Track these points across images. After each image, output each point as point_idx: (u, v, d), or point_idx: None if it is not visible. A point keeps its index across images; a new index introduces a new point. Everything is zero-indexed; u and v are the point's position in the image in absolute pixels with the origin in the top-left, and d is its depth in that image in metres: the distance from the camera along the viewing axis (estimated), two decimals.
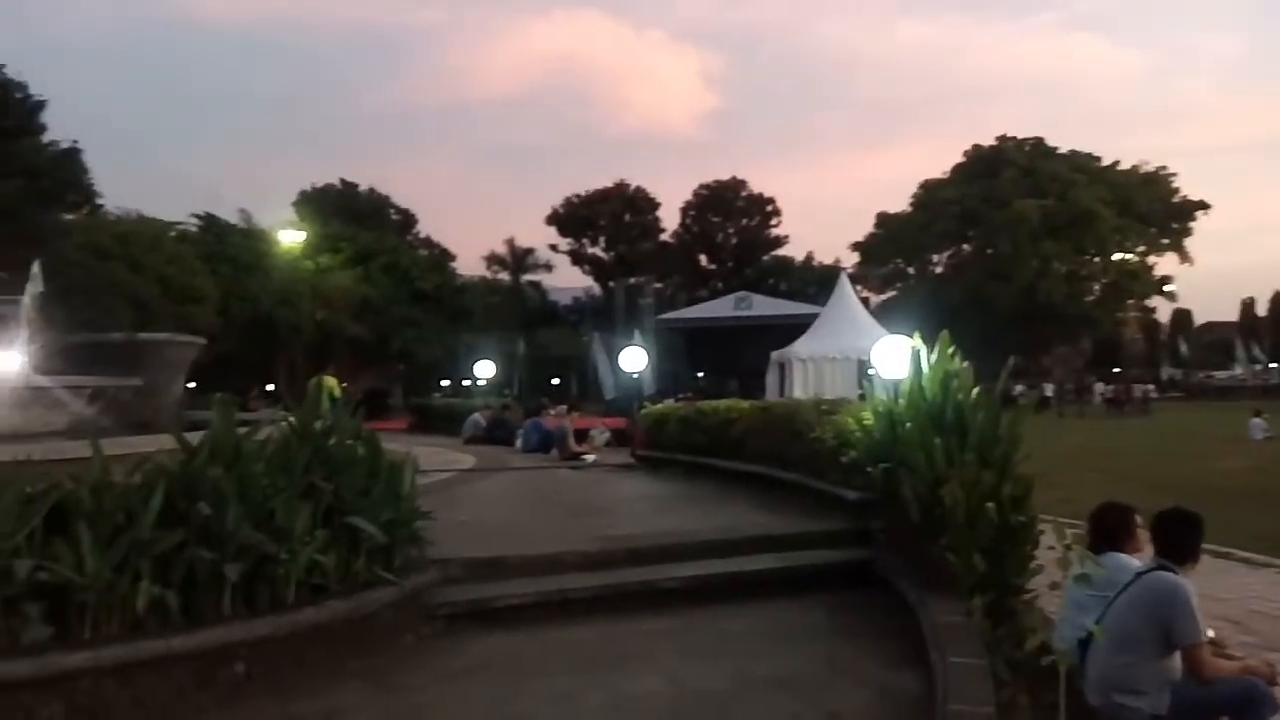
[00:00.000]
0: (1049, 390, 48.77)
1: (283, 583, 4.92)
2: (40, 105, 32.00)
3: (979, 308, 52.74)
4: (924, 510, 5.81)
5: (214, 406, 5.34)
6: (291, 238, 40.61)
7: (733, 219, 75.87)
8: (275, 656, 4.78)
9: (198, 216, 43.05)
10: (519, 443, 18.88)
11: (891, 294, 63.00)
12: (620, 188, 74.08)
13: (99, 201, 35.57)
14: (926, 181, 62.78)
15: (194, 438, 5.09)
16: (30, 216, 27.07)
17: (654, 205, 74.79)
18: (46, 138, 32.42)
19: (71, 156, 33.15)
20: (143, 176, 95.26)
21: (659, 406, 16.77)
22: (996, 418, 6.10)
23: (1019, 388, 36.88)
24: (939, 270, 62.47)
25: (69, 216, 32.87)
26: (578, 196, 73.95)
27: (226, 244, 40.34)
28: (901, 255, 63.24)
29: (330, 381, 17.79)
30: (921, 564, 5.78)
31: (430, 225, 71.98)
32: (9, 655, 4.08)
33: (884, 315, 35.72)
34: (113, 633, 4.35)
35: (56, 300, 10.32)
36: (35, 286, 9.11)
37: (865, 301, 41.76)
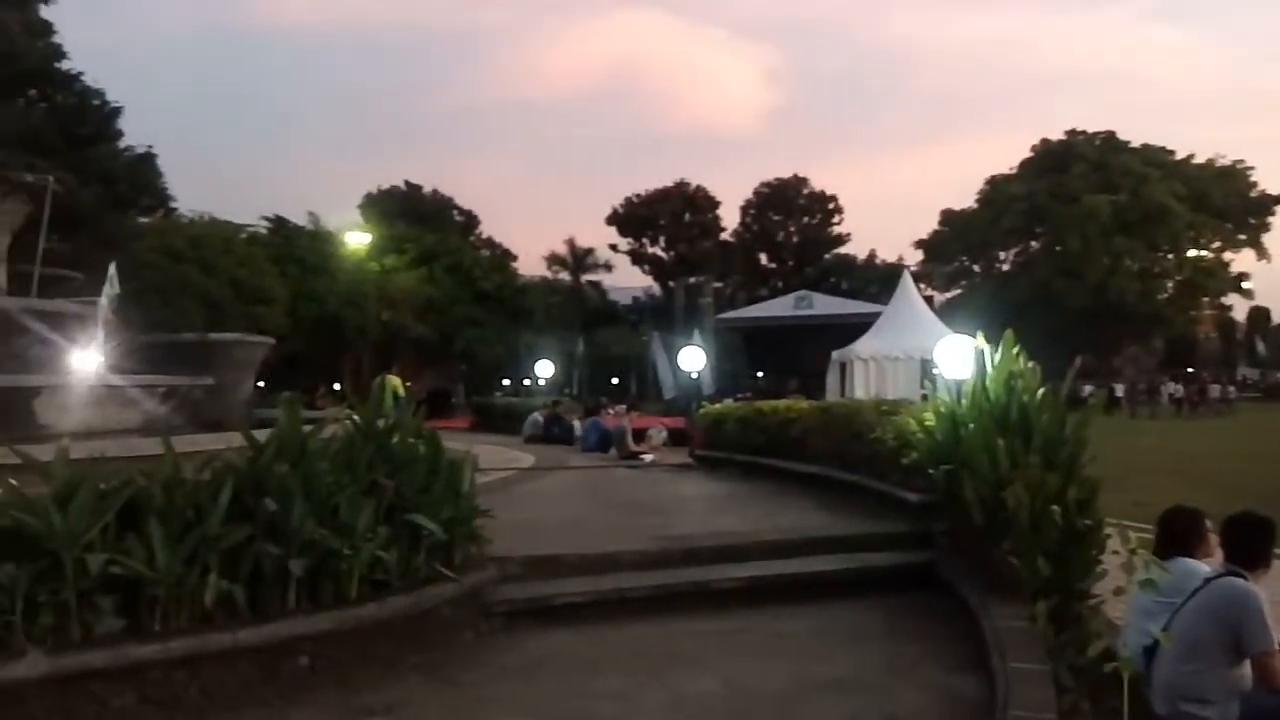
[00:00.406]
0: (1119, 390, 47.54)
1: (346, 578, 5.00)
2: (116, 112, 32.93)
3: (1047, 306, 51.65)
4: (987, 513, 5.72)
5: (281, 405, 5.45)
6: (357, 239, 41.40)
7: (794, 217, 75.33)
8: (338, 650, 4.87)
9: (267, 219, 44.12)
10: (578, 442, 18.99)
11: (956, 292, 61.98)
12: (680, 187, 74.01)
13: (173, 205, 36.57)
14: (993, 177, 61.63)
15: (261, 436, 5.21)
16: (107, 220, 27.86)
17: (714, 204, 74.59)
18: (122, 144, 33.37)
19: (146, 161, 34.06)
20: (214, 180, 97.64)
21: (717, 406, 16.71)
22: (1062, 418, 5.98)
23: (1088, 388, 35.99)
24: (1005, 268, 61.29)
25: (144, 220, 33.82)
26: (638, 196, 74.08)
27: (295, 246, 41.25)
28: (967, 253, 62.17)
29: (394, 380, 18.03)
30: (984, 567, 5.68)
31: (492, 226, 72.77)
32: (84, 646, 4.21)
33: (948, 314, 35.18)
34: (182, 625, 4.46)
35: (132, 301, 10.65)
36: (111, 288, 9.40)
37: (929, 300, 41.21)
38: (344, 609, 4.93)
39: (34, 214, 10.59)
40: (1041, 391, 6.18)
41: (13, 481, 4.48)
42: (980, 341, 6.82)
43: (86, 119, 31.71)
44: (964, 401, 6.64)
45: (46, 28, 31.23)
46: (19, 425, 6.93)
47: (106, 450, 4.98)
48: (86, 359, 8.34)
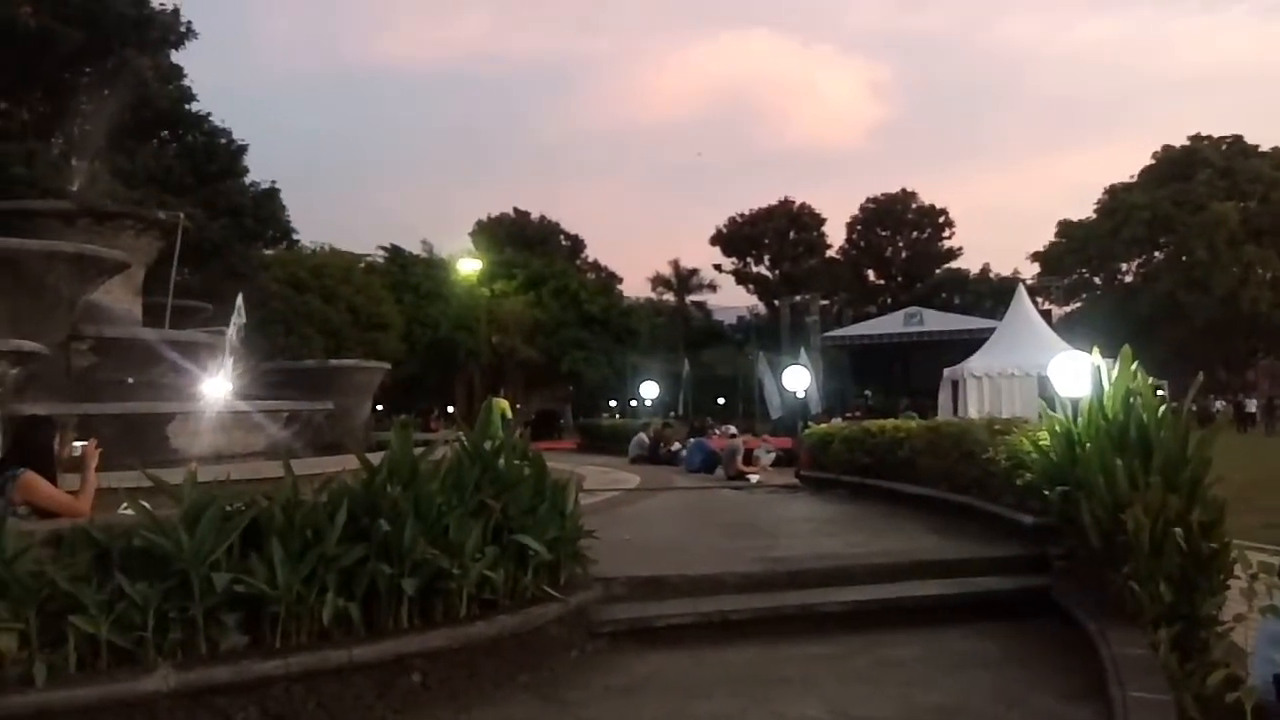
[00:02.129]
0: (1252, 406, 45.04)
1: (456, 597, 5.12)
2: (243, 149, 34.72)
3: (1173, 319, 49.49)
4: (1105, 536, 5.52)
5: (394, 428, 5.63)
6: (468, 266, 42.46)
7: (902, 232, 74.08)
8: (449, 668, 4.98)
9: (384, 248, 45.66)
10: (682, 463, 19.00)
11: (1076, 306, 59.87)
12: (785, 205, 73.65)
13: (295, 237, 38.23)
14: (1112, 186, 59.50)
15: (376, 458, 5.40)
16: (234, 253, 29.32)
17: (819, 221, 73.97)
18: (248, 179, 35.14)
19: (270, 196, 35.75)
20: (334, 212, 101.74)
21: (823, 426, 16.52)
22: (1184, 436, 5.72)
23: (1219, 404, 34.21)
24: (1127, 280, 59.00)
25: (269, 252, 35.45)
26: (742, 215, 73.98)
27: (410, 273, 42.60)
28: (1086, 265, 60.09)
29: (502, 403, 18.41)
30: (1102, 593, 5.48)
31: (598, 249, 73.93)
32: (210, 661, 4.41)
33: (1067, 329, 34.04)
34: (301, 642, 4.63)
35: (257, 330, 11.17)
36: (239, 317, 9.88)
37: (1046, 315, 39.85)
38: (454, 627, 5.04)
39: (166, 248, 11.22)
40: (1162, 409, 5.94)
41: (145, 504, 4.75)
42: (1097, 357, 6.60)
43: (214, 157, 33.47)
44: (1080, 420, 6.42)
45: (177, 72, 33.11)
46: (153, 450, 7.35)
47: (232, 473, 5.22)
48: (216, 386, 8.77)
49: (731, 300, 73.58)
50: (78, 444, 5.65)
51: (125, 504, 5.45)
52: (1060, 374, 7.09)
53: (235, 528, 4.65)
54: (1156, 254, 56.82)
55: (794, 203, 73.95)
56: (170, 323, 10.68)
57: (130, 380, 8.69)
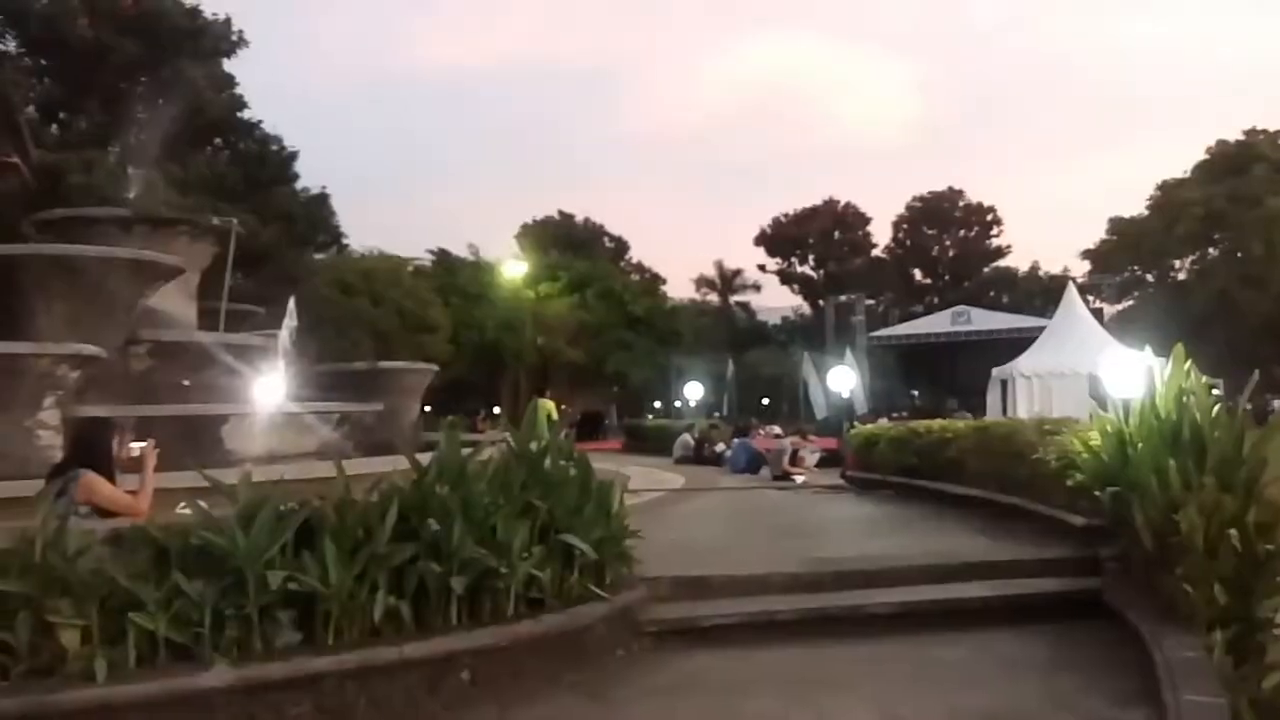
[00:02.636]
0: None
1: (503, 596, 5.18)
2: (293, 156, 35.37)
3: (1227, 317, 48.33)
4: (1157, 537, 5.44)
5: (442, 429, 5.71)
6: (514, 269, 42.75)
7: (949, 230, 73.13)
8: (496, 666, 5.04)
9: (431, 252, 46.15)
10: (727, 463, 18.97)
11: (1127, 304, 58.71)
12: (829, 205, 73.08)
13: (345, 241, 38.79)
14: (1165, 182, 58.12)
15: (425, 459, 5.48)
16: (286, 258, 29.85)
17: (864, 220, 73.26)
18: (299, 185, 35.75)
19: (321, 201, 36.37)
20: (382, 216, 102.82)
21: (869, 426, 16.40)
22: (1239, 436, 5.62)
23: (1276, 403, 33.38)
24: (1181, 277, 57.72)
25: (319, 256, 36.01)
26: (785, 216, 73.56)
27: (457, 276, 42.98)
28: (1138, 262, 58.77)
29: (547, 404, 18.51)
30: (1155, 595, 5.41)
31: (641, 250, 74.05)
32: (265, 658, 4.50)
33: (1119, 327, 33.44)
34: (353, 639, 4.71)
35: (308, 333, 11.34)
36: (290, 321, 10.06)
37: (1098, 313, 39.18)
38: (502, 625, 5.10)
39: (220, 254, 11.46)
40: (1216, 408, 5.84)
41: (201, 503, 4.87)
42: (1149, 356, 6.50)
43: (266, 164, 34.12)
44: (1132, 420, 6.33)
45: (229, 80, 33.75)
46: (209, 450, 7.51)
47: (285, 473, 5.33)
48: (269, 388, 8.94)
49: (776, 301, 73.25)
50: (136, 445, 5.79)
51: (183, 503, 5.60)
52: (1111, 373, 7.00)
53: (289, 527, 4.75)
54: (1211, 251, 55.42)
55: (838, 202, 73.39)
56: (224, 327, 10.90)
57: (186, 383, 8.89)
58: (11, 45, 29.44)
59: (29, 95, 28.48)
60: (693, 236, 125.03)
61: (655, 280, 61.62)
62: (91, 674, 4.15)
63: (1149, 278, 59.22)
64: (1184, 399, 5.99)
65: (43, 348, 7.56)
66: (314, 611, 4.69)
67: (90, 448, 5.59)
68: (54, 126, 31.22)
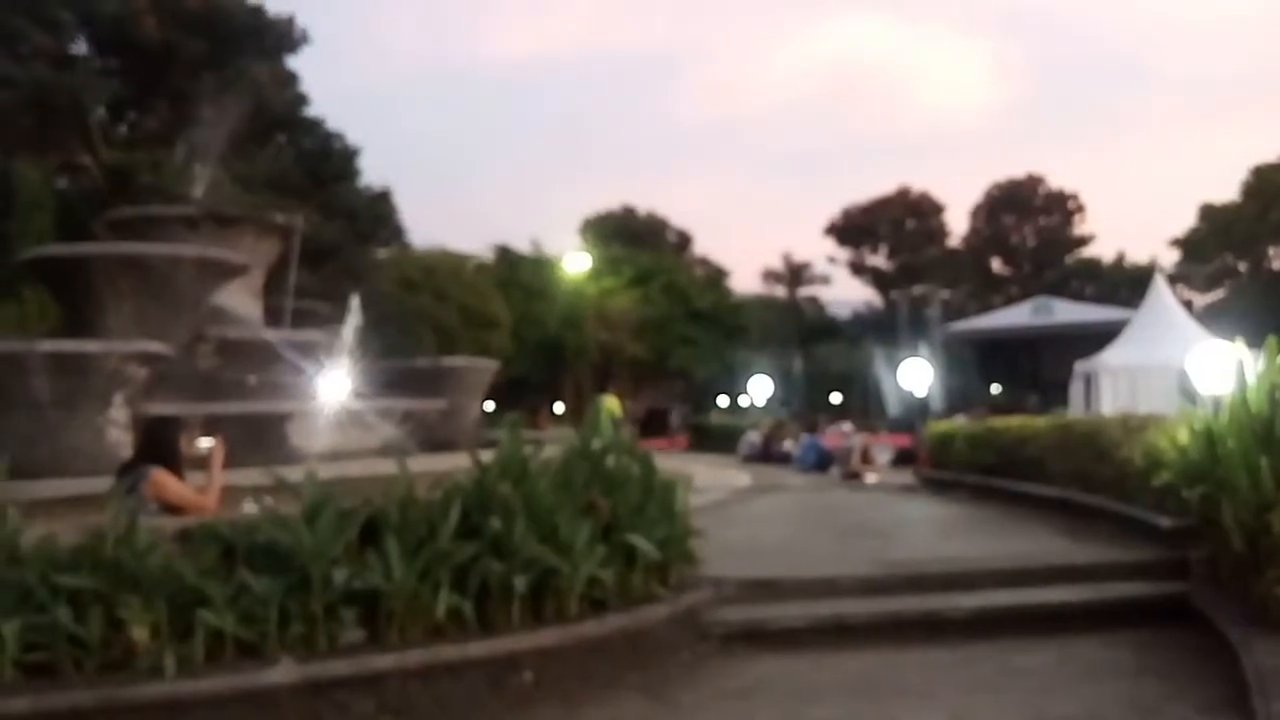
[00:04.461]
0: None
1: (566, 595, 5.12)
2: (356, 153, 35.79)
3: None
4: (1248, 539, 5.20)
5: (504, 427, 5.66)
6: (576, 263, 42.84)
7: (1030, 219, 71.16)
8: (559, 666, 4.98)
9: (494, 246, 46.48)
10: (796, 462, 18.75)
11: (1219, 295, 56.72)
12: (902, 193, 71.86)
13: (407, 239, 39.26)
14: (1259, 166, 55.97)
15: (487, 456, 5.44)
16: (349, 255, 30.26)
17: (939, 209, 71.80)
18: (361, 182, 36.21)
19: (383, 198, 36.79)
20: (444, 212, 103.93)
21: (945, 424, 16.05)
22: None
23: None
24: (1275, 266, 55.64)
25: (382, 252, 36.46)
26: (857, 206, 72.55)
27: (519, 272, 43.18)
28: (1230, 250, 56.77)
29: (611, 401, 18.48)
30: (1245, 599, 5.17)
31: (706, 243, 73.72)
32: (329, 655, 4.52)
33: (1210, 319, 32.21)
34: (416, 637, 4.70)
35: (371, 330, 11.42)
36: (354, 318, 10.14)
37: (1187, 304, 37.93)
38: (565, 625, 5.05)
39: (285, 251, 11.61)
40: None
41: (268, 500, 4.88)
42: (1241, 349, 6.19)
43: (329, 161, 34.57)
44: (1222, 416, 6.03)
45: (292, 77, 34.28)
46: (274, 448, 7.59)
47: (349, 471, 5.33)
48: (333, 386, 9.03)
49: (845, 294, 72.28)
50: (204, 441, 5.85)
51: (249, 499, 5.64)
52: (1200, 367, 6.69)
53: (353, 525, 4.76)
54: None
55: (911, 190, 72.13)
56: (289, 324, 11.03)
57: (252, 380, 9.01)
58: (82, 48, 30.32)
59: (99, 96, 29.25)
60: (759, 229, 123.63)
61: (720, 274, 61.27)
62: (160, 669, 4.20)
63: (1241, 267, 57.08)
64: (1277, 394, 5.69)
65: (112, 346, 7.71)
66: (377, 610, 4.69)
67: (159, 445, 5.66)
68: (123, 127, 32.11)
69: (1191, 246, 57.89)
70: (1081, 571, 6.64)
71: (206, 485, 5.69)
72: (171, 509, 5.42)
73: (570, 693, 4.92)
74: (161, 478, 5.47)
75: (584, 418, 6.18)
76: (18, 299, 20.40)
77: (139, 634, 4.31)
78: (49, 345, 7.59)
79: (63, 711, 4.06)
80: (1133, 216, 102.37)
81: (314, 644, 4.53)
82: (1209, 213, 57.47)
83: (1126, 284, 57.55)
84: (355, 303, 10.31)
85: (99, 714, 4.08)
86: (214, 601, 4.39)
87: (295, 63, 34.47)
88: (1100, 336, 29.49)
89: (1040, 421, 11.35)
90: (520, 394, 37.56)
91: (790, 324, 63.46)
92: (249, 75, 28.15)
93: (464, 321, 32.89)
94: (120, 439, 7.22)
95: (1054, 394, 32.08)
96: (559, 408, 42.10)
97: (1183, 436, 6.50)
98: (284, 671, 4.33)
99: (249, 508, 5.50)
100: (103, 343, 7.81)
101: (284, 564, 4.56)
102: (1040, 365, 42.82)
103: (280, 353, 9.05)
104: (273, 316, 11.19)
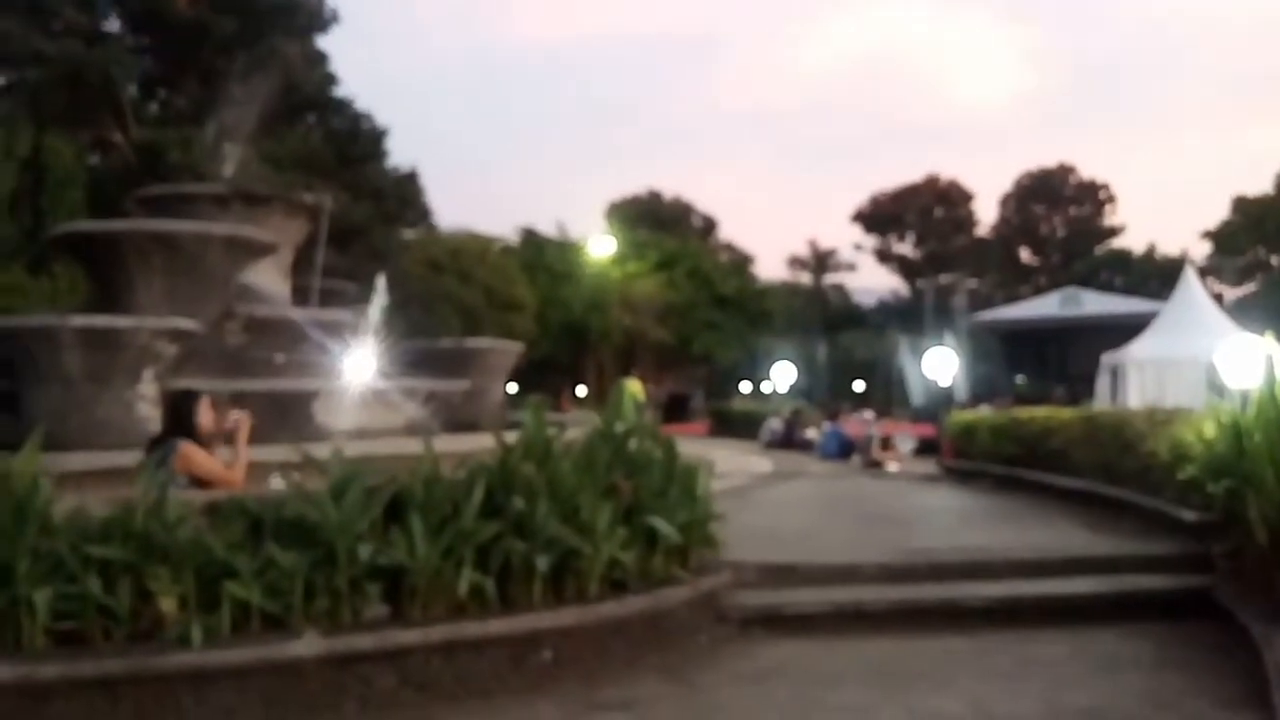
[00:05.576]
0: None
1: (586, 576, 5.16)
2: (384, 134, 35.81)
3: None
4: (1273, 534, 5.19)
5: (528, 408, 5.71)
6: (601, 247, 42.82)
7: (1059, 208, 70.35)
8: (579, 646, 5.03)
9: (520, 229, 46.52)
10: (817, 449, 18.72)
11: (1250, 288, 55.92)
12: (931, 181, 71.24)
13: (433, 220, 39.35)
14: None
15: (511, 437, 5.48)
16: (376, 235, 30.37)
17: (968, 198, 71.13)
18: (389, 163, 36.27)
19: (411, 179, 36.88)
20: (471, 193, 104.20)
21: (969, 414, 15.97)
22: None
23: None
24: None
25: (408, 233, 36.56)
26: (885, 193, 72.01)
27: (544, 255, 43.20)
28: (1263, 243, 55.90)
29: (633, 385, 18.50)
30: (1268, 594, 5.15)
31: (732, 229, 73.50)
32: (354, 629, 4.59)
33: (1241, 312, 31.79)
34: (439, 614, 4.76)
35: (397, 310, 11.47)
36: (380, 298, 10.18)
37: (1219, 298, 37.43)
38: (585, 605, 5.10)
39: (313, 231, 11.67)
40: None
41: (296, 476, 4.95)
42: (1270, 343, 6.13)
43: (358, 141, 34.62)
44: (1250, 410, 5.98)
45: (321, 57, 34.33)
46: (300, 426, 7.66)
47: (374, 449, 5.39)
48: (359, 365, 9.09)
49: (871, 282, 71.83)
50: (234, 415, 5.91)
51: (275, 475, 5.71)
52: (1228, 360, 6.62)
53: (378, 502, 4.81)
54: None
55: (940, 178, 71.47)
56: (317, 303, 11.10)
57: (279, 358, 9.08)
58: (114, 25, 30.49)
59: (130, 73, 29.41)
60: (786, 215, 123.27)
61: (745, 259, 61.04)
62: (188, 639, 4.27)
63: (1273, 260, 56.28)
64: None
65: (143, 322, 7.78)
66: (401, 585, 4.76)
67: (185, 418, 5.72)
68: (154, 104, 32.29)
69: (1223, 239, 57.08)
70: (1103, 563, 6.62)
71: (233, 460, 5.76)
72: (200, 482, 5.50)
73: (590, 672, 4.96)
74: (190, 451, 5.54)
75: (607, 401, 6.20)
76: (49, 274, 20.69)
77: (167, 605, 4.40)
78: (80, 320, 7.65)
79: (91, 679, 4.15)
80: (1164, 208, 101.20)
81: (338, 618, 4.60)
82: (1241, 205, 56.61)
83: (1157, 276, 56.83)
84: (381, 283, 10.34)
85: (127, 682, 4.18)
86: (241, 574, 4.47)
87: (325, 42, 34.55)
88: (1129, 328, 29.13)
89: (1065, 413, 11.28)
90: (543, 376, 37.64)
91: (815, 311, 63.18)
92: (279, 54, 28.20)
93: (488, 303, 32.97)
94: (149, 414, 7.30)
95: (1081, 386, 31.76)
96: (582, 391, 42.17)
97: (1209, 430, 6.45)
98: (308, 644, 4.40)
99: (275, 483, 5.56)
100: (134, 319, 7.88)
101: (310, 539, 4.62)
102: (1067, 357, 42.37)
103: (307, 331, 9.10)
104: (300, 295, 11.24)
